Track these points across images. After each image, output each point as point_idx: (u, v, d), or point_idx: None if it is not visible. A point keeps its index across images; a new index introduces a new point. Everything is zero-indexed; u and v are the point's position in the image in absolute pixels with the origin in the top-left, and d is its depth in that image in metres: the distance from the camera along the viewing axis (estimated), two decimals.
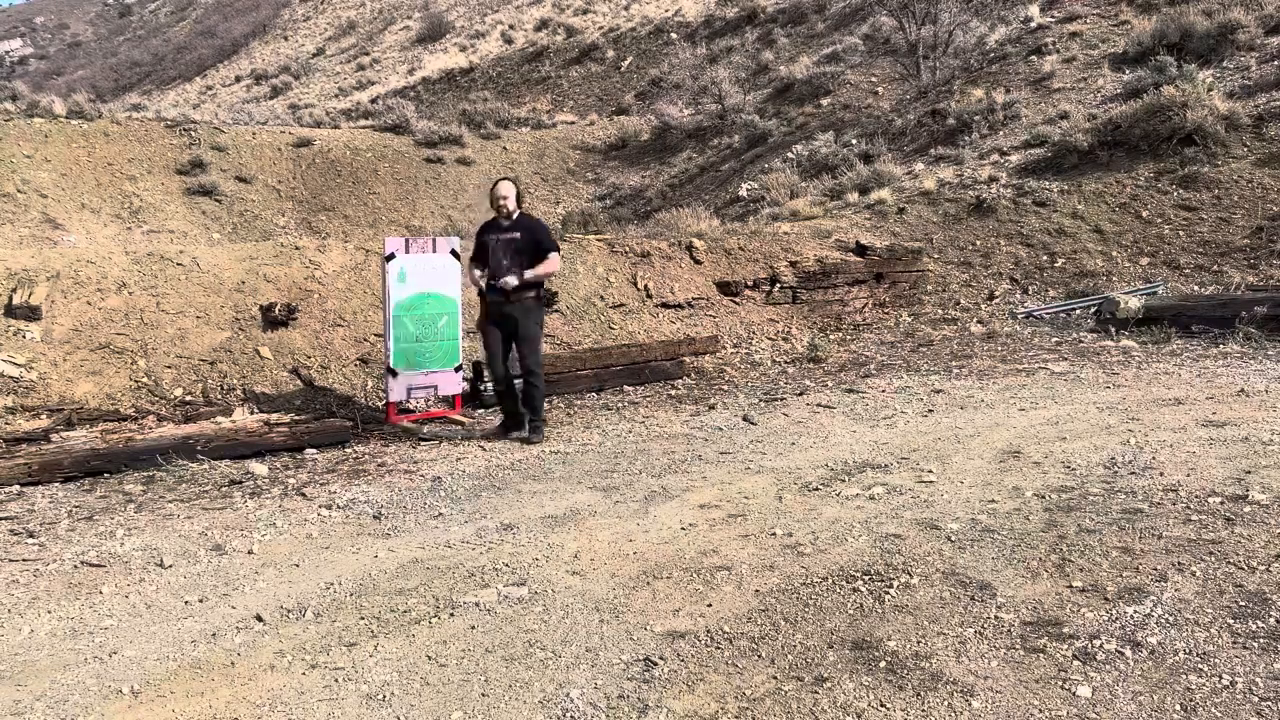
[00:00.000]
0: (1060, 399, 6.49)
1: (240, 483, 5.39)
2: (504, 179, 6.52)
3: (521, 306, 6.31)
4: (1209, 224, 10.73)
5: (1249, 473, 4.49)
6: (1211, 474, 4.52)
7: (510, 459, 5.75)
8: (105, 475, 5.58)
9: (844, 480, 4.86)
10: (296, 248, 8.44)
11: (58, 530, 4.60)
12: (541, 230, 6.45)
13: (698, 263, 9.82)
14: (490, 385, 6.70)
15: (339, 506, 4.83)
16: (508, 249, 6.30)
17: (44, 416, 6.18)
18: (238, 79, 42.19)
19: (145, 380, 6.85)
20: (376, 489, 5.16)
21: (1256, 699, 2.58)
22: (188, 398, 6.84)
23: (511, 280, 6.23)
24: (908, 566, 3.61)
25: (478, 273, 6.44)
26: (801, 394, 7.33)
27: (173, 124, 19.33)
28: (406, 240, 6.98)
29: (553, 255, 6.39)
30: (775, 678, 2.84)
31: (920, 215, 11.94)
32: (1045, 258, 10.95)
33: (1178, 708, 2.56)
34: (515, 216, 6.39)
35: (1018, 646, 2.94)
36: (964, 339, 9.25)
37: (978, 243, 11.37)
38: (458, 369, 7.12)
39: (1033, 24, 17.16)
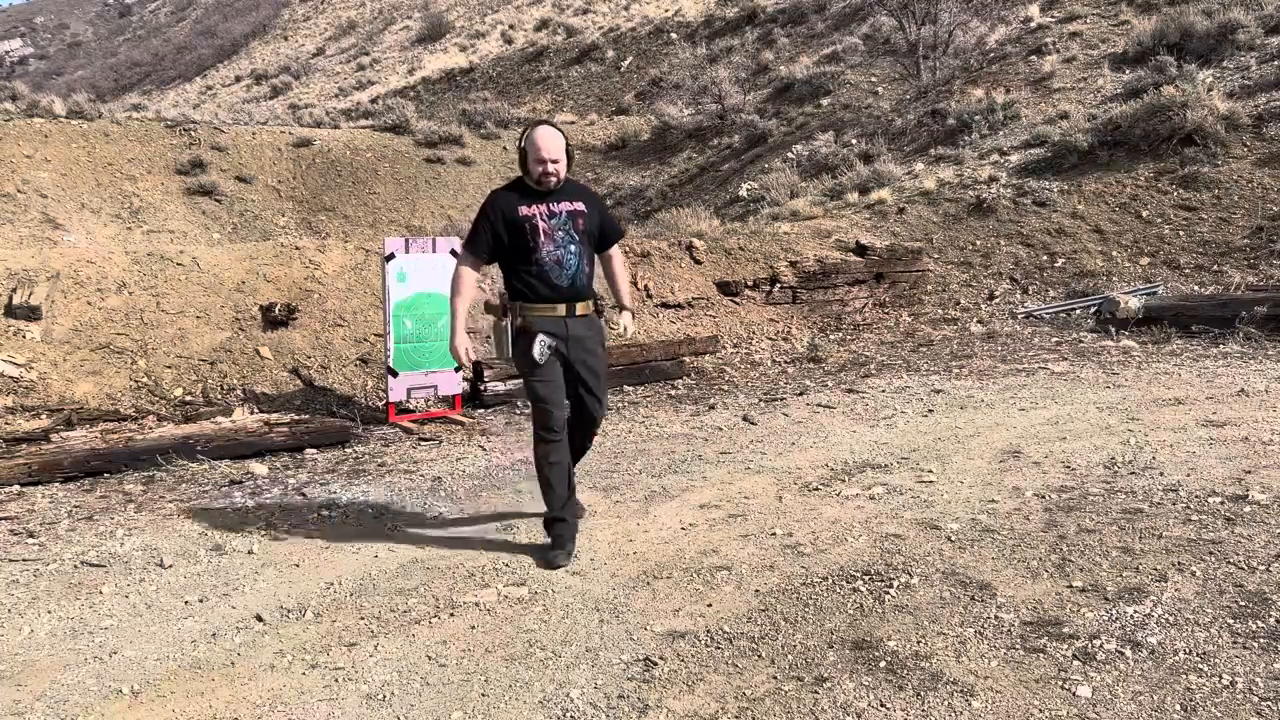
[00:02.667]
0: (1060, 399, 6.49)
1: (240, 483, 5.39)
2: (545, 124, 3.95)
3: (592, 323, 4.06)
4: (1209, 224, 10.73)
5: (1249, 473, 4.49)
6: (1211, 474, 4.52)
7: (510, 459, 5.75)
8: (105, 475, 5.58)
9: (844, 480, 4.86)
10: (296, 248, 8.45)
11: (58, 530, 4.60)
12: (604, 206, 4.26)
13: (698, 263, 9.82)
14: (550, 451, 3.98)
15: (339, 506, 4.83)
16: (569, 231, 3.93)
17: (44, 416, 6.19)
18: (238, 79, 42.20)
19: (145, 380, 6.85)
20: (376, 489, 5.16)
21: (1256, 699, 2.58)
22: (188, 398, 6.84)
23: (628, 324, 4.31)
24: (908, 566, 3.61)
25: (474, 279, 4.02)
26: (801, 394, 7.33)
27: (173, 124, 19.33)
28: (406, 240, 6.98)
29: (617, 248, 4.31)
30: (775, 678, 2.84)
31: (920, 215, 11.94)
32: (1045, 258, 10.95)
33: (1178, 708, 2.56)
34: (565, 184, 4.00)
35: (1018, 646, 2.94)
36: (964, 339, 9.25)
37: (978, 243, 11.37)
38: (458, 369, 7.12)
39: (1033, 24, 17.16)
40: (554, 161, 3.86)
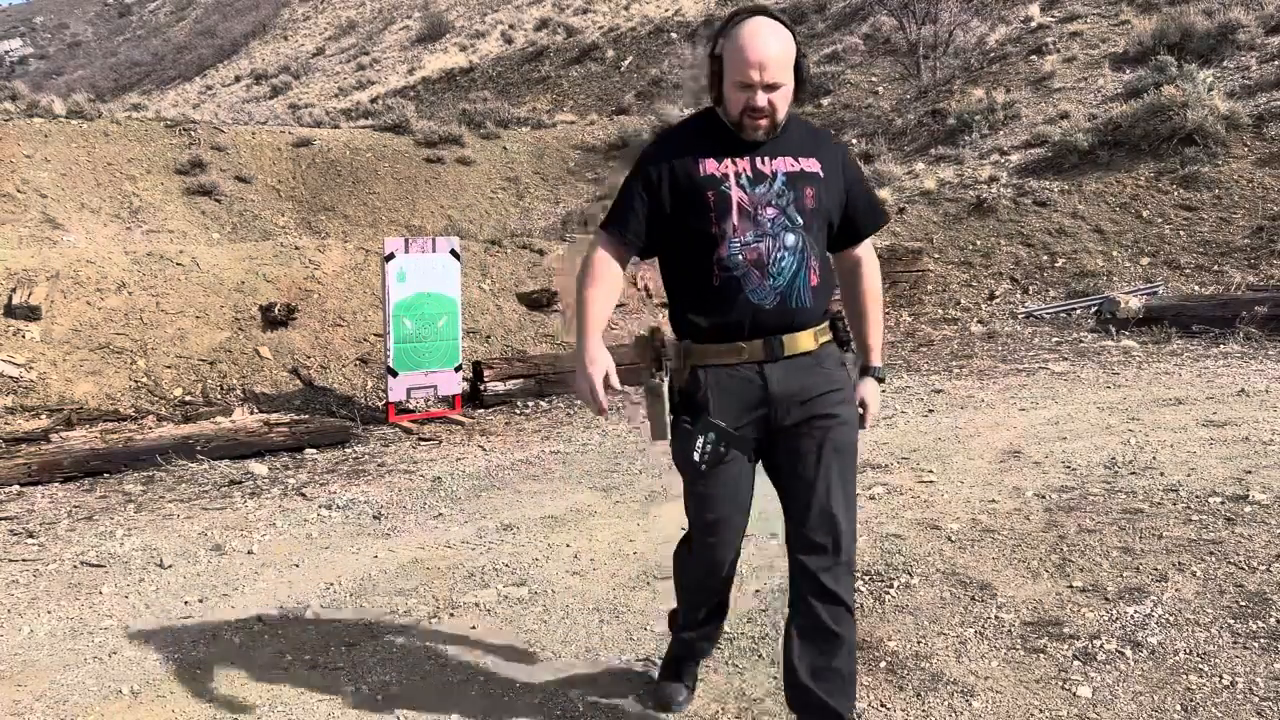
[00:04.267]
0: (1060, 399, 6.49)
1: (240, 483, 5.39)
2: (761, 14, 2.23)
3: (820, 368, 2.33)
4: (1209, 224, 10.72)
5: (1249, 473, 4.48)
6: (1212, 474, 4.52)
7: (510, 459, 5.75)
8: (105, 475, 5.58)
9: None
10: (296, 248, 8.45)
11: (57, 530, 4.60)
12: (857, 166, 2.50)
13: None
14: (699, 561, 2.53)
15: (339, 506, 4.83)
16: (787, 208, 2.26)
17: (44, 416, 6.18)
18: (237, 79, 42.18)
19: (145, 380, 6.85)
20: (376, 489, 5.15)
21: (1257, 699, 2.58)
22: (187, 398, 6.84)
23: (870, 398, 2.44)
24: (908, 566, 3.61)
25: (615, 269, 2.32)
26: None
27: (172, 124, 19.32)
28: (406, 240, 6.99)
29: (870, 247, 2.52)
30: (775, 678, 2.84)
31: (920, 215, 11.94)
32: (1045, 258, 10.95)
33: (1178, 708, 2.56)
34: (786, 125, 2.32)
35: (1018, 646, 2.94)
36: (964, 339, 9.25)
37: (978, 243, 11.37)
38: (457, 369, 7.12)
39: (1033, 24, 17.15)
40: (771, 86, 2.17)
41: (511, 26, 34.72)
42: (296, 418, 6.43)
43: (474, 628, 3.29)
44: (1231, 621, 3.01)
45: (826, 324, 2.35)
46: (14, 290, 6.90)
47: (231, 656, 3.14)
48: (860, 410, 2.39)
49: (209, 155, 18.36)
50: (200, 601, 3.63)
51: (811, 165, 2.31)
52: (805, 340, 2.28)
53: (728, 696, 2.75)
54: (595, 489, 4.97)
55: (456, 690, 2.85)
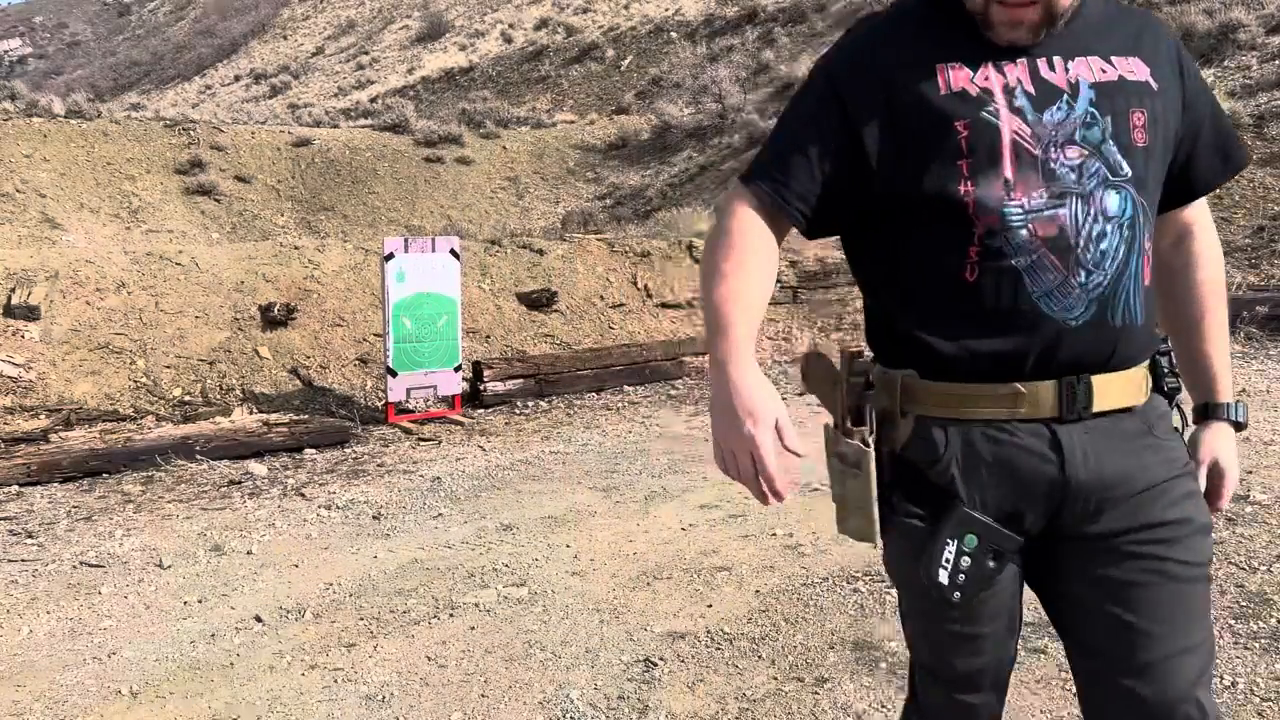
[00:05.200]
0: None
1: (239, 483, 5.39)
2: None
3: (1144, 435, 1.31)
4: None
5: (1250, 473, 4.48)
6: None
7: (510, 459, 5.74)
8: (104, 475, 5.57)
9: None
10: (296, 248, 8.45)
11: (56, 530, 4.60)
12: (1198, 72, 1.37)
13: (698, 262, 9.82)
14: None
15: (338, 507, 4.82)
16: (1102, 146, 1.24)
17: (43, 416, 6.18)
18: (237, 78, 42.19)
19: (144, 380, 6.85)
20: (376, 489, 5.15)
21: (1258, 699, 2.57)
22: (187, 398, 6.84)
23: (1225, 455, 1.44)
24: None
25: (768, 244, 1.32)
26: (802, 394, 7.32)
27: (171, 123, 19.33)
28: (405, 240, 6.99)
29: (1206, 208, 1.46)
30: (775, 678, 2.84)
31: None
32: None
33: None
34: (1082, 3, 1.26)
35: (1018, 646, 2.93)
36: None
37: None
38: (457, 369, 7.12)
39: None
40: None
41: (511, 26, 34.73)
42: (296, 418, 6.43)
43: (474, 628, 3.28)
44: (1232, 622, 3.01)
45: (1149, 362, 1.37)
46: (13, 290, 6.89)
47: (231, 656, 3.14)
48: (1213, 484, 1.45)
49: (208, 155, 18.35)
50: (200, 601, 3.62)
51: (1136, 70, 1.31)
52: (1127, 388, 1.32)
53: (728, 697, 2.74)
54: (595, 489, 4.96)
55: (456, 690, 2.85)
